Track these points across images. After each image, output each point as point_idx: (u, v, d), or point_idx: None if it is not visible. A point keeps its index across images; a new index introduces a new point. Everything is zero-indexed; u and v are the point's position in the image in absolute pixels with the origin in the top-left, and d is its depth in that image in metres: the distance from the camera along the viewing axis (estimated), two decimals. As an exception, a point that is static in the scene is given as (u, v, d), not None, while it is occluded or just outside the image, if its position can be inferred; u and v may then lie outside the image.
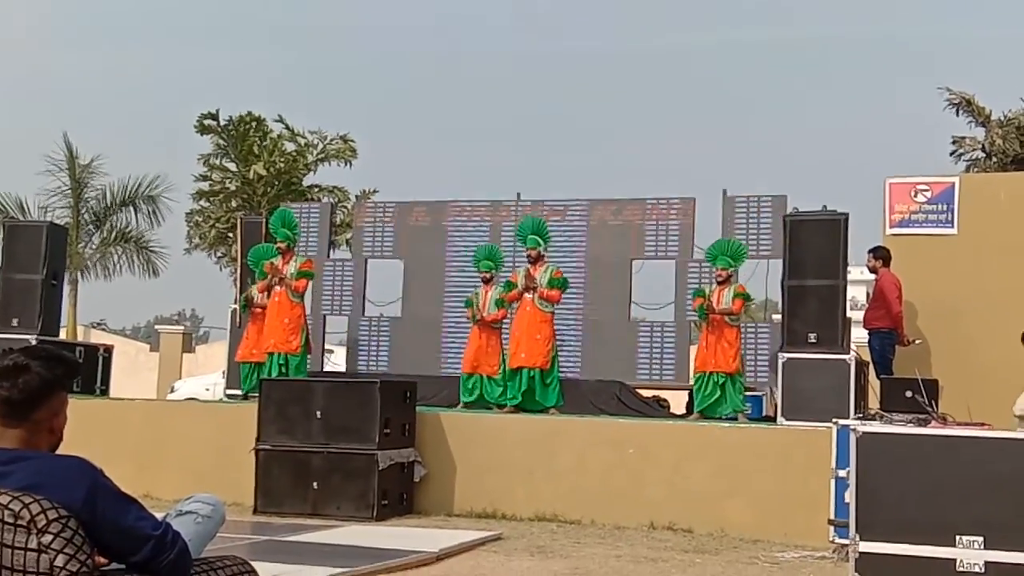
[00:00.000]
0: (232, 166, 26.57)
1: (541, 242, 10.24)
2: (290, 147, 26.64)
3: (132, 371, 21.55)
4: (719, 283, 9.89)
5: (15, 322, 10.48)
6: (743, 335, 10.43)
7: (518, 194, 12.71)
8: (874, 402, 8.77)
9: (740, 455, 8.29)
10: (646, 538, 7.74)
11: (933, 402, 6.90)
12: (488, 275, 10.64)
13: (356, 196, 25.90)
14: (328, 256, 13.33)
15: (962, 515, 5.28)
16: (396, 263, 12.92)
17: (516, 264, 10.99)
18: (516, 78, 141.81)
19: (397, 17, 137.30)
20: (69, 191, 23.79)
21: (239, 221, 14.42)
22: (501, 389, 10.35)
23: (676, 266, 11.84)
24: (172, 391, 19.60)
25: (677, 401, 12.21)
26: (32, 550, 2.37)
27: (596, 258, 12.06)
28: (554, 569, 6.27)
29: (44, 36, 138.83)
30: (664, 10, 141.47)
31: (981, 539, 5.22)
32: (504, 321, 10.57)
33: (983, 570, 5.20)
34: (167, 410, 11.20)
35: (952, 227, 10.41)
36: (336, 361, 14.83)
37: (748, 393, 10.65)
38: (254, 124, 26.30)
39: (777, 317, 10.31)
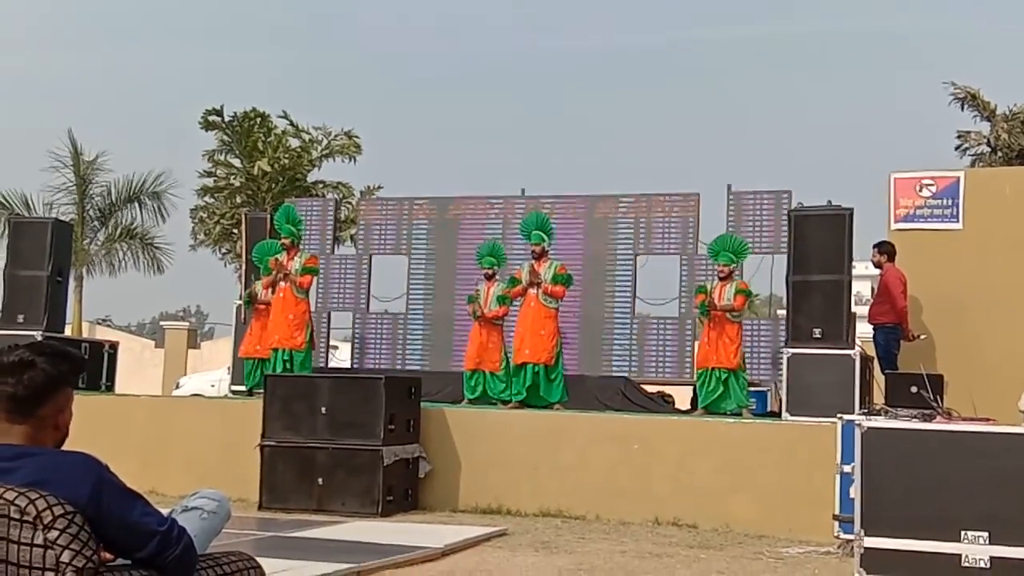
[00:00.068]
0: (237, 162, 26.61)
1: (545, 238, 10.23)
2: (294, 143, 26.67)
3: (137, 367, 21.58)
4: (721, 279, 9.87)
5: (21, 318, 10.50)
6: (746, 331, 10.42)
7: (522, 190, 12.71)
8: (879, 397, 8.77)
9: (745, 451, 8.29)
10: (651, 533, 7.75)
11: (938, 397, 6.90)
12: (490, 272, 10.64)
13: (360, 192, 25.94)
14: (333, 252, 13.33)
15: (967, 510, 5.28)
16: (400, 259, 12.92)
17: (520, 260, 10.98)
18: (517, 76, 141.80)
19: (398, 16, 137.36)
20: (74, 187, 23.80)
21: (244, 217, 14.44)
22: (504, 385, 10.35)
23: (680, 262, 11.83)
24: (177, 387, 19.66)
25: (682, 397, 12.21)
26: (38, 546, 2.38)
27: (600, 254, 12.05)
28: (559, 565, 6.28)
29: (45, 34, 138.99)
30: (664, 7, 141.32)
31: (986, 534, 5.22)
32: (506, 317, 10.57)
33: (988, 565, 5.21)
34: (172, 406, 11.22)
35: (957, 222, 10.39)
36: (341, 357, 14.85)
37: (752, 389, 10.63)
38: (259, 120, 26.33)
39: (782, 312, 10.29)
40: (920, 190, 10.54)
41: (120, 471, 2.62)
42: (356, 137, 26.64)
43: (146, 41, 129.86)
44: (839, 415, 7.36)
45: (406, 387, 8.91)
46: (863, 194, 15.20)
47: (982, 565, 5.21)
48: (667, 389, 12.34)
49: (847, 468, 6.82)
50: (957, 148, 23.90)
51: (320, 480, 8.47)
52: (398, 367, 12.23)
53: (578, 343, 11.82)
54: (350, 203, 24.96)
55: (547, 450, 8.77)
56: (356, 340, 12.93)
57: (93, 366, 10.95)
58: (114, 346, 11.79)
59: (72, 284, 16.24)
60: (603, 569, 6.20)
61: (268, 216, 12.96)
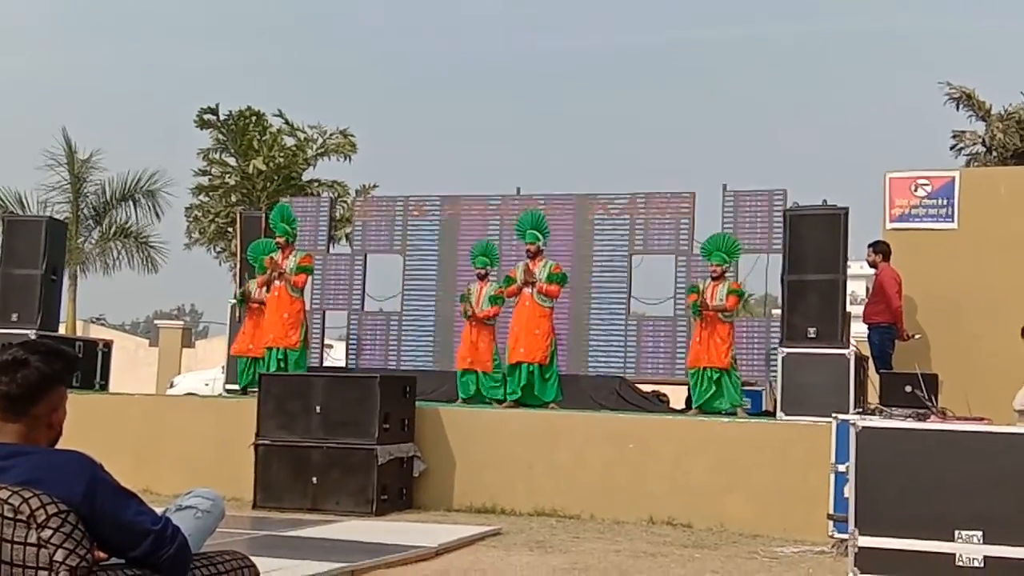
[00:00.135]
0: (232, 161, 26.59)
1: (540, 237, 10.23)
2: (290, 142, 26.64)
3: (131, 366, 21.54)
4: (713, 279, 9.85)
5: (14, 317, 10.47)
6: (741, 330, 10.42)
7: (518, 189, 12.71)
8: (874, 397, 8.78)
9: (740, 450, 8.29)
10: (645, 533, 7.75)
11: (933, 397, 6.91)
12: (483, 271, 10.63)
13: (356, 191, 25.92)
14: (328, 251, 13.33)
15: (962, 510, 5.28)
16: (395, 258, 12.92)
17: (515, 259, 10.98)
18: (517, 76, 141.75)
19: (396, 15, 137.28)
20: (68, 186, 23.77)
21: (239, 216, 14.43)
22: (496, 384, 10.35)
23: (676, 261, 11.84)
24: (171, 386, 19.64)
25: (677, 396, 12.21)
26: (32, 545, 2.37)
27: (595, 253, 12.05)
28: (553, 564, 6.27)
29: (42, 34, 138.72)
30: (664, 7, 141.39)
31: (980, 534, 5.23)
32: (499, 317, 10.57)
33: (982, 565, 5.21)
34: (166, 405, 11.20)
35: (952, 221, 10.41)
36: (335, 356, 14.84)
37: (747, 388, 10.63)
38: (254, 119, 26.31)
39: (777, 312, 10.31)
40: (915, 190, 10.56)
41: (114, 470, 2.61)
42: (351, 136, 26.64)
43: (143, 40, 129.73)
44: (834, 415, 7.37)
45: (401, 386, 8.90)
46: (858, 194, 15.17)
47: (976, 564, 5.21)
48: (662, 389, 12.35)
49: (842, 467, 6.82)
50: (952, 148, 23.95)
51: (314, 479, 8.46)
52: (393, 366, 12.22)
53: (573, 342, 11.82)
54: (345, 202, 24.94)
55: (542, 449, 8.77)
56: (351, 339, 12.92)
57: (87, 365, 10.93)
58: (108, 345, 11.77)
59: (66, 283, 16.25)
60: (597, 568, 6.20)
61: (263, 215, 12.95)
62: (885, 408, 6.94)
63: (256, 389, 9.19)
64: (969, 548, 5.23)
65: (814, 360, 8.67)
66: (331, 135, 26.57)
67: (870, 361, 9.90)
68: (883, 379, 8.50)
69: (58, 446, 2.65)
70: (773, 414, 9.17)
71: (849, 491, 5.61)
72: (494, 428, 9.09)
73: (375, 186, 25.76)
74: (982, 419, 6.19)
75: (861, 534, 5.43)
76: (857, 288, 20.56)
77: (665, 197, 12.01)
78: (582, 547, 6.95)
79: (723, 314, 9.67)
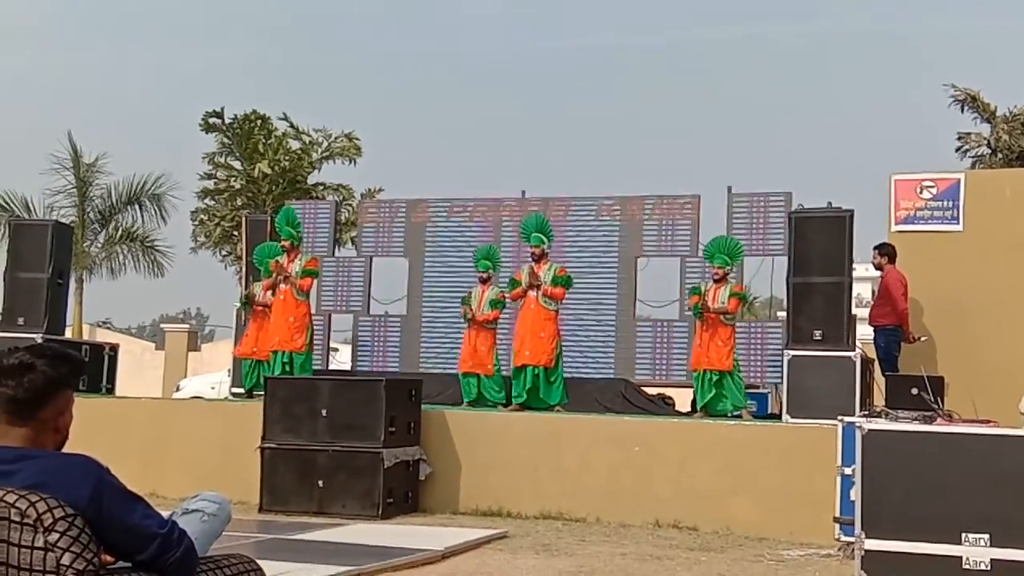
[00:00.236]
0: (237, 164, 26.62)
1: (545, 240, 10.23)
2: (295, 145, 26.69)
3: (137, 370, 21.57)
4: (715, 281, 9.83)
5: (21, 321, 10.50)
6: (746, 333, 10.40)
7: (523, 191, 12.70)
8: (879, 399, 8.77)
9: (745, 453, 8.28)
10: (651, 536, 7.74)
11: (939, 399, 6.89)
12: (485, 275, 10.63)
13: (361, 194, 25.93)
14: (333, 254, 13.33)
15: (968, 512, 5.27)
16: (401, 261, 12.92)
17: (520, 262, 10.98)
18: (517, 76, 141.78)
19: (398, 16, 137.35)
20: (74, 190, 23.81)
21: (244, 219, 14.44)
22: (498, 388, 10.35)
23: (681, 263, 11.82)
24: (177, 389, 19.65)
25: (682, 399, 12.19)
26: (39, 548, 2.38)
27: (600, 256, 12.04)
28: (559, 567, 6.27)
29: (43, 33, 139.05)
30: (664, 7, 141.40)
31: (987, 536, 5.21)
32: (499, 321, 10.56)
33: (989, 568, 5.19)
34: (172, 408, 11.22)
35: (958, 223, 10.39)
36: (341, 359, 14.84)
37: (753, 391, 10.62)
38: (259, 122, 26.35)
39: (782, 315, 10.29)
40: (920, 192, 10.54)
41: (120, 473, 2.62)
42: (356, 139, 26.67)
43: (147, 42, 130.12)
44: (840, 417, 7.36)
45: (407, 389, 8.91)
46: (863, 196, 15.19)
47: (983, 567, 5.20)
48: (667, 391, 12.33)
49: (848, 470, 6.82)
50: (957, 150, 23.93)
51: (320, 482, 8.47)
52: (398, 369, 12.22)
53: (579, 345, 11.81)
54: (350, 205, 24.97)
55: (547, 452, 8.76)
56: (356, 342, 12.92)
57: (93, 368, 10.96)
58: (114, 348, 11.79)
59: (72, 286, 16.22)
60: (603, 571, 6.20)
61: (268, 218, 12.95)
62: (891, 410, 6.93)
63: (262, 392, 9.20)
64: (976, 551, 5.22)
65: (820, 363, 8.66)
66: (336, 138, 26.62)
67: (876, 363, 9.88)
68: (889, 381, 8.47)
69: (65, 450, 2.66)
70: (779, 417, 9.15)
71: (855, 494, 5.60)
72: (500, 431, 9.09)
73: (380, 189, 25.85)
74: (988, 421, 6.17)
75: (867, 537, 5.41)
76: (863, 290, 20.55)
77: (670, 200, 12.00)
78: (588, 550, 6.95)
79: (724, 317, 9.67)
